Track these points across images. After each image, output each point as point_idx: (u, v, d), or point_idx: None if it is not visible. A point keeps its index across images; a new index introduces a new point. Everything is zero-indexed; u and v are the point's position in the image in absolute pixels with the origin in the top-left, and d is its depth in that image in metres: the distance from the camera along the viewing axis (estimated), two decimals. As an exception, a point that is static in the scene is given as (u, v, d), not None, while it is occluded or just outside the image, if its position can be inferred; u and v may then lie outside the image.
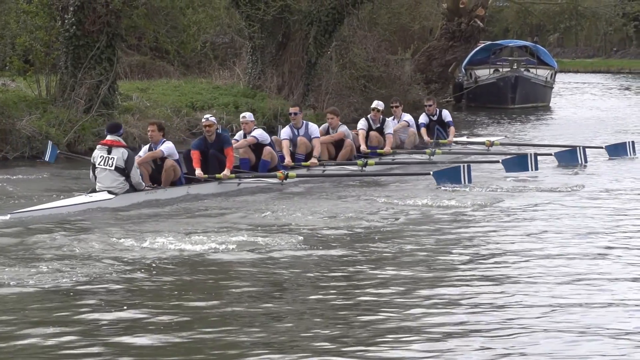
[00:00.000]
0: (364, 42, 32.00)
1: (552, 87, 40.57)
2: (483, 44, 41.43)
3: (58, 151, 17.29)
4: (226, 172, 14.71)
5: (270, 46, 27.41)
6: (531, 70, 39.25)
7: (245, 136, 15.90)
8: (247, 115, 16.07)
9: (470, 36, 37.35)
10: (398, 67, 34.10)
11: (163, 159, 14.13)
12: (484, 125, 29.64)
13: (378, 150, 18.08)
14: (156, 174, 14.17)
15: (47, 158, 16.98)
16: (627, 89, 50.82)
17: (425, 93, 33.35)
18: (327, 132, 17.46)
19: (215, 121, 15.13)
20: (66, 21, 20.65)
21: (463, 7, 36.97)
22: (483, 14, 37.41)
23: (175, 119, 22.71)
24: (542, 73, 39.65)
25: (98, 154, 13.41)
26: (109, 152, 13.30)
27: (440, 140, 19.78)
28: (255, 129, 15.89)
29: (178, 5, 31.32)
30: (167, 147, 14.12)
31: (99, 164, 13.37)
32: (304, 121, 17.02)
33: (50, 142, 17.29)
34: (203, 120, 15.18)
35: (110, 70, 20.84)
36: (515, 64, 38.54)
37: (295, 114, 16.79)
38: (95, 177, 13.45)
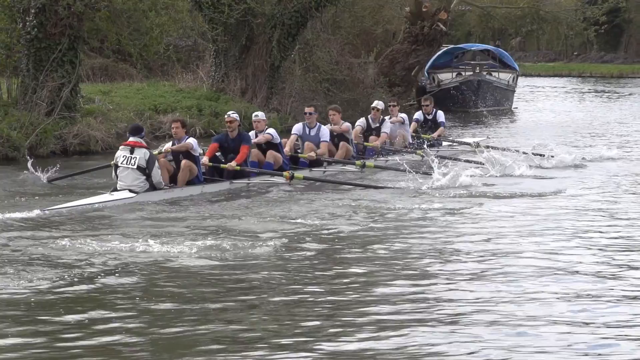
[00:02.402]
0: (328, 46, 32.03)
1: (514, 91, 40.86)
2: (446, 48, 41.61)
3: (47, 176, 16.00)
4: (232, 163, 15.24)
5: (234, 49, 27.37)
6: (493, 73, 39.50)
7: (256, 135, 16.41)
8: (260, 114, 16.69)
9: (433, 40, 37.48)
10: (361, 70, 34.15)
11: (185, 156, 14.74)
12: (450, 129, 29.79)
13: (365, 143, 18.65)
14: (177, 174, 14.81)
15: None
16: (588, 92, 51.31)
17: (389, 96, 33.45)
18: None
19: (237, 118, 15.76)
20: (27, 23, 20.47)
21: (426, 10, 37.11)
22: (446, 18, 37.56)
23: (138, 122, 22.56)
24: (505, 77, 39.91)
25: (121, 154, 14.09)
26: (132, 152, 14.01)
27: (423, 135, 20.25)
28: (267, 127, 16.43)
29: (141, 8, 31.26)
30: (194, 141, 14.92)
31: (121, 164, 14.04)
32: (319, 123, 17.51)
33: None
34: (225, 116, 15.90)
35: (72, 73, 20.69)
36: (478, 68, 38.78)
37: (310, 113, 17.41)
38: (117, 177, 14.06)
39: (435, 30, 36.98)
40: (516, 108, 39.70)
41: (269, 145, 16.36)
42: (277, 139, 16.51)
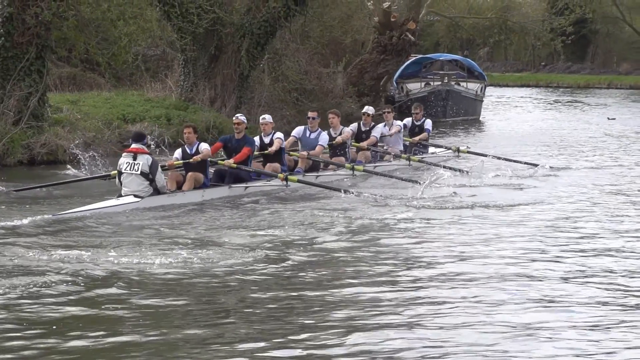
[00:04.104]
0: (297, 55, 32.11)
1: (482, 101, 41.09)
2: (414, 58, 41.81)
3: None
4: (230, 161, 15.78)
5: (203, 59, 27.34)
6: (462, 83, 39.71)
7: (261, 138, 16.93)
8: (267, 117, 17.23)
9: (401, 50, 37.69)
10: (330, 80, 34.26)
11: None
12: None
13: (353, 144, 19.06)
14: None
15: None
16: (555, 102, 51.71)
17: (357, 106, 33.58)
18: (328, 134, 18.33)
19: (244, 120, 16.39)
20: (-6, 32, 20.37)
21: (394, 20, 37.31)
22: (414, 28, 37.78)
23: (106, 131, 22.51)
24: (473, 86, 40.13)
25: (124, 160, 14.40)
26: (135, 159, 14.30)
27: (405, 138, 20.90)
28: (274, 131, 17.02)
29: (109, 17, 31.13)
30: (208, 146, 15.60)
31: (125, 170, 14.33)
32: (319, 129, 17.98)
33: None
34: (234, 118, 16.60)
35: (39, 82, 20.60)
36: (446, 78, 38.96)
37: (314, 118, 17.90)
38: (121, 183, 14.37)
39: (403, 40, 37.18)
40: (484, 118, 39.94)
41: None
42: (284, 143, 17.13)
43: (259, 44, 27.25)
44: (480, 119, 39.58)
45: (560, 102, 51.88)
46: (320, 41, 35.94)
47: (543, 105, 49.79)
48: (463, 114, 38.38)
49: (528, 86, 70.73)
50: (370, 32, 38.96)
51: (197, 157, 15.28)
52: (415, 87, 39.26)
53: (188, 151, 15.45)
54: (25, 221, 12.72)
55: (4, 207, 14.13)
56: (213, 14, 26.40)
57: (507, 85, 70.41)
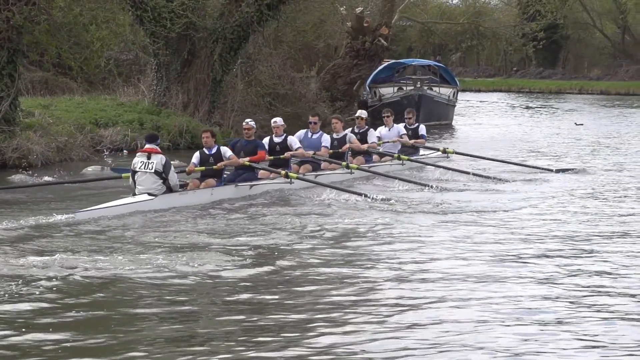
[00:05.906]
0: (270, 60, 32.12)
1: (454, 105, 41.25)
2: (387, 63, 41.89)
3: None
4: (245, 159, 16.60)
5: (176, 63, 27.29)
6: (434, 88, 39.83)
7: (272, 139, 17.74)
8: (278, 120, 18.10)
9: (374, 54, 37.76)
10: (303, 84, 34.29)
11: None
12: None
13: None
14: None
15: None
16: (527, 108, 51.97)
17: (330, 111, 33.64)
18: (331, 137, 19.00)
19: (253, 125, 17.23)
20: (-34, 36, 20.26)
21: (367, 25, 37.39)
22: (387, 33, 37.88)
23: (78, 135, 22.44)
24: (445, 91, 40.28)
25: (138, 160, 14.98)
26: (149, 158, 14.88)
27: (401, 141, 21.31)
28: (285, 134, 17.79)
29: (81, 21, 31.06)
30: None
31: (139, 168, 14.91)
32: (321, 131, 18.72)
33: None
34: (244, 123, 17.37)
35: (11, 86, 20.51)
36: (419, 83, 39.05)
37: (315, 123, 18.70)
38: (135, 182, 14.92)
39: (376, 45, 37.27)
40: (456, 123, 40.09)
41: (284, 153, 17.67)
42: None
43: (232, 48, 27.25)
44: (453, 123, 39.73)
45: (531, 107, 52.14)
46: (293, 46, 35.98)
47: (514, 110, 50.04)
48: (436, 119, 38.49)
49: (500, 91, 71.05)
50: (343, 37, 39.01)
51: (221, 164, 16.01)
52: (388, 91, 39.31)
53: (207, 152, 16.11)
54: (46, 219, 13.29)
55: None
56: (186, 19, 26.36)
57: (479, 91, 70.71)
